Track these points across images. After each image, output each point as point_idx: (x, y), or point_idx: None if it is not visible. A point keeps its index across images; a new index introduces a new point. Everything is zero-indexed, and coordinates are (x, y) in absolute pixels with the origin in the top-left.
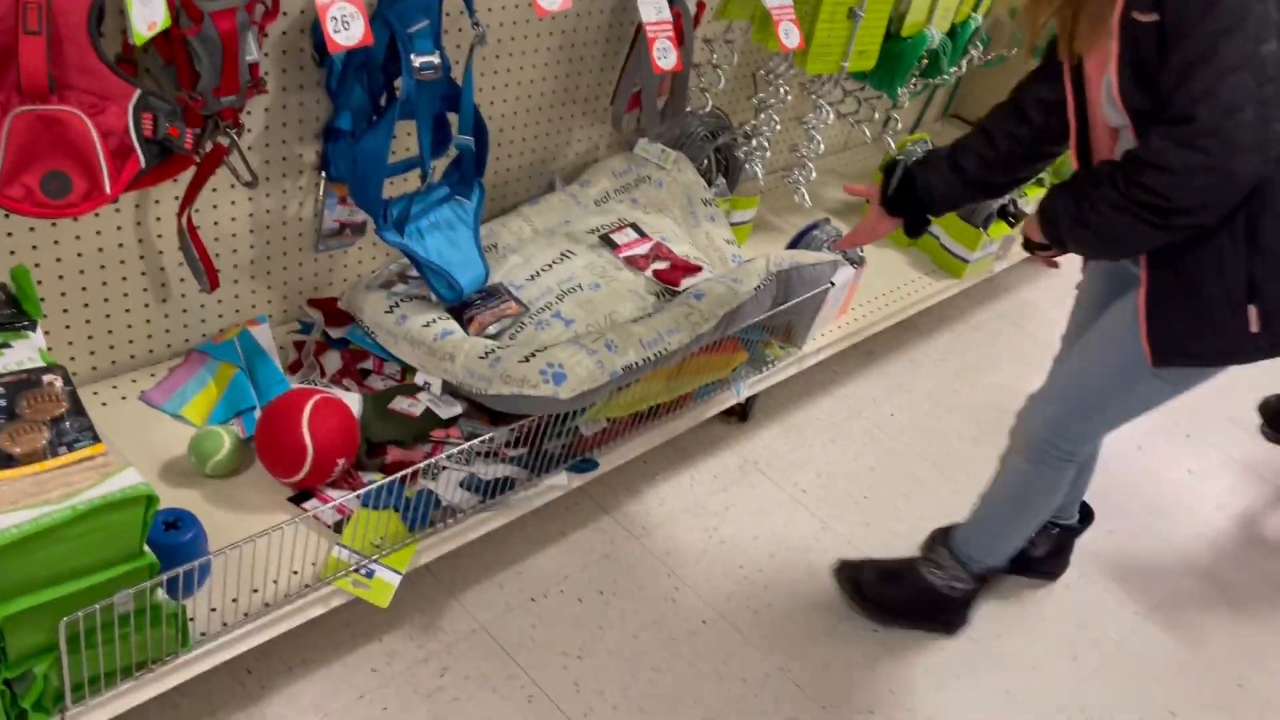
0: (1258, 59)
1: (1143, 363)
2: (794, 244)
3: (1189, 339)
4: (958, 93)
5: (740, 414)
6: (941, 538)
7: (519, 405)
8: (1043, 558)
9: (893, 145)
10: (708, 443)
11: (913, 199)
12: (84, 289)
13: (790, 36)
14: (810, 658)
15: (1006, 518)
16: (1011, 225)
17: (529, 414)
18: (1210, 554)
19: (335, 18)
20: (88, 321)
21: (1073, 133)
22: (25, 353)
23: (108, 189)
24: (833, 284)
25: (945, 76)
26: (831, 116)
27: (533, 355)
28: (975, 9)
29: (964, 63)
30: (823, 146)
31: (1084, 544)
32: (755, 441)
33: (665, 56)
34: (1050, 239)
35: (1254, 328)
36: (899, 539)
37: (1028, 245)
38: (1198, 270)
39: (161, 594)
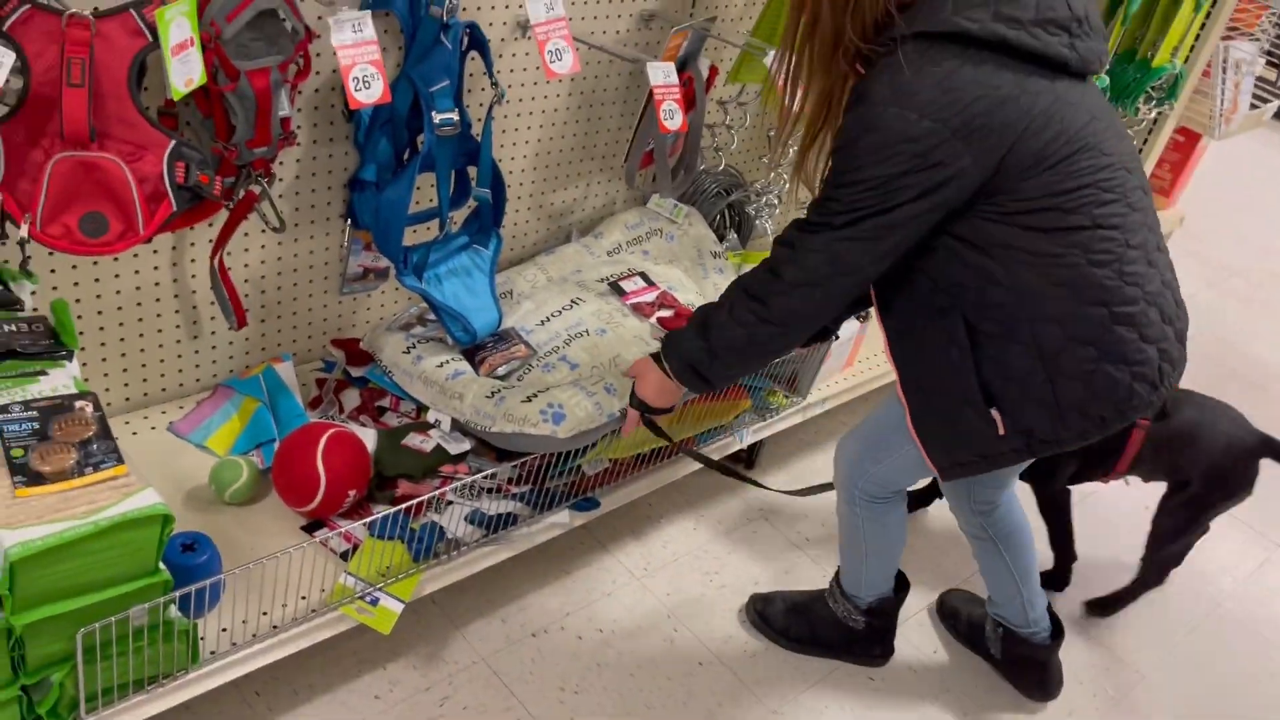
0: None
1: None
2: None
3: (957, 450)
4: None
5: (746, 461)
6: (836, 572)
7: (520, 443)
8: (1000, 660)
9: None
10: (712, 488)
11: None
12: (120, 324)
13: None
14: (804, 704)
15: (855, 557)
16: None
17: (530, 451)
18: (1214, 616)
19: (357, 77)
20: (123, 355)
21: None
22: (60, 380)
23: (141, 230)
24: (837, 337)
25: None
26: None
27: (535, 395)
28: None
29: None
30: None
31: (1083, 599)
32: (760, 489)
33: (672, 118)
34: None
35: (1001, 430)
36: None
37: (649, 422)
38: (939, 385)
39: (174, 611)
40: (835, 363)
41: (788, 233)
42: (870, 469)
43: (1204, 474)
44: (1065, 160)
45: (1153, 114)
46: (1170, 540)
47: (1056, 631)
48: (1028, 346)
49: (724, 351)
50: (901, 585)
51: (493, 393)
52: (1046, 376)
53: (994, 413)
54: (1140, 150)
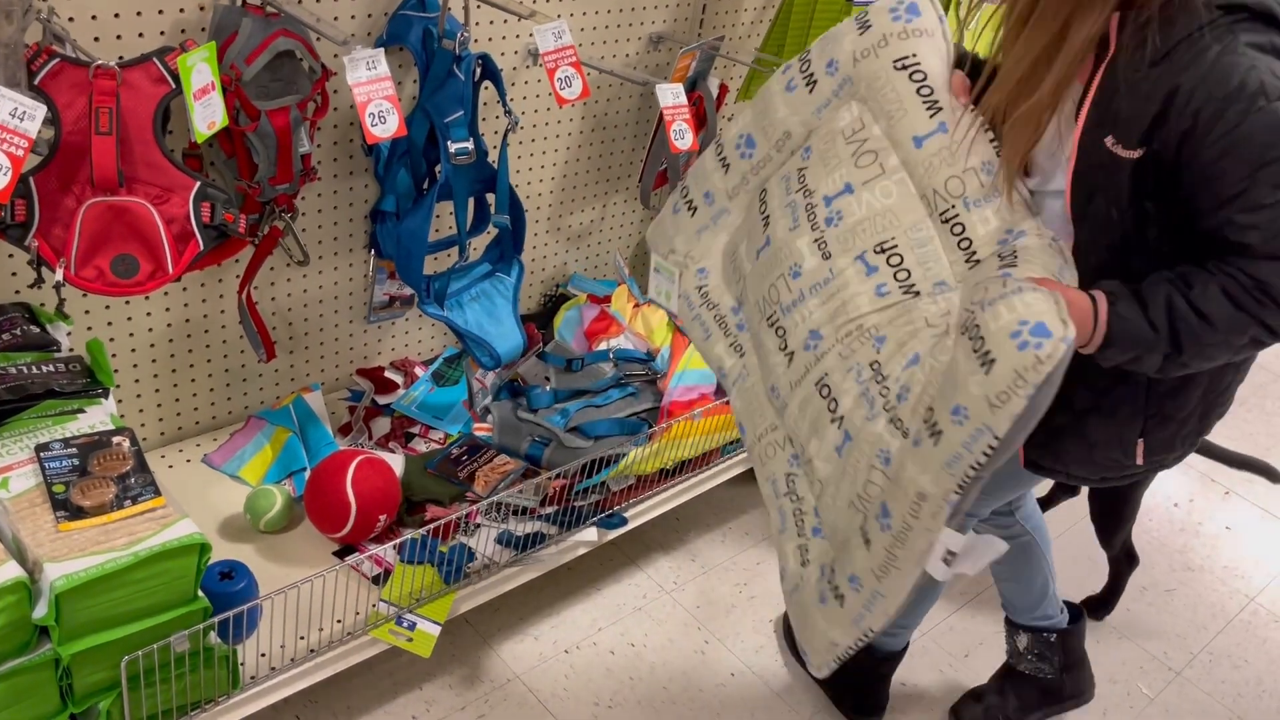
0: None
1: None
2: None
3: (1074, 463)
4: None
5: None
6: (1013, 629)
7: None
8: (1064, 666)
9: None
10: (738, 501)
11: None
12: (153, 360)
13: None
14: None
15: (1029, 577)
16: None
17: None
18: (1248, 612)
19: (373, 113)
20: (156, 390)
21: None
22: (98, 417)
23: (170, 269)
24: None
25: None
26: None
27: None
28: None
29: None
30: None
31: (1162, 651)
32: None
33: (682, 138)
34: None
35: (1139, 460)
36: None
37: None
38: (1092, 402)
39: (214, 637)
40: None
41: None
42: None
43: None
44: None
45: None
46: (1115, 522)
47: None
48: (1205, 390)
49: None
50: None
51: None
52: (1203, 412)
53: (1140, 444)
54: None
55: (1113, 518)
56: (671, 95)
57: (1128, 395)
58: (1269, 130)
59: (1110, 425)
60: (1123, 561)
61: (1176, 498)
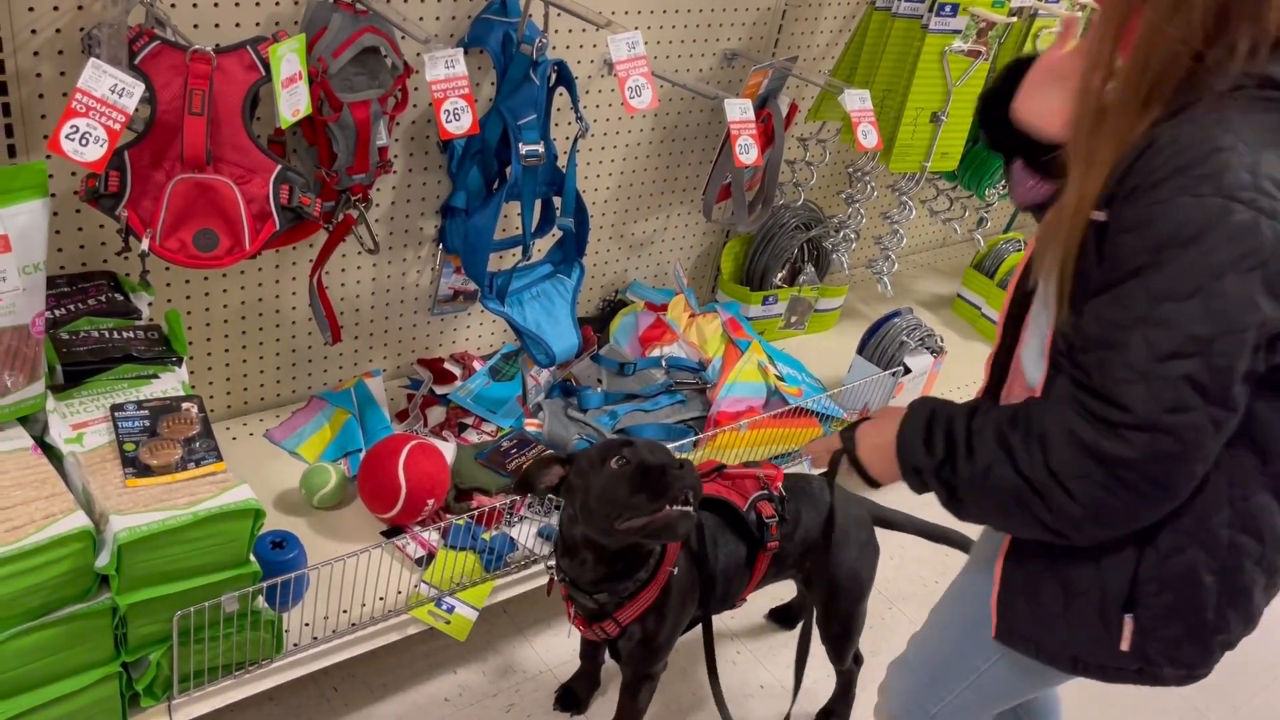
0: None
1: (986, 631)
2: (872, 331)
3: (1043, 630)
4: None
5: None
6: None
7: None
8: None
9: (982, 244)
10: None
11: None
12: (225, 335)
13: (868, 138)
14: None
15: None
16: None
17: None
18: None
19: (449, 110)
20: (226, 364)
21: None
22: (170, 383)
23: (248, 246)
24: (908, 370)
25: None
26: (914, 213)
27: None
28: None
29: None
30: (905, 240)
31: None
32: None
33: (747, 152)
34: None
35: (1124, 645)
36: None
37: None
38: (1076, 553)
39: (262, 601)
40: (910, 396)
41: None
42: (931, 709)
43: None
44: None
45: None
46: (847, 642)
47: None
48: (1213, 554)
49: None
50: None
51: None
52: (1215, 598)
53: (1126, 619)
54: None
55: (844, 639)
56: (739, 110)
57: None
58: (1176, 223)
59: (1077, 578)
60: (854, 670)
61: None
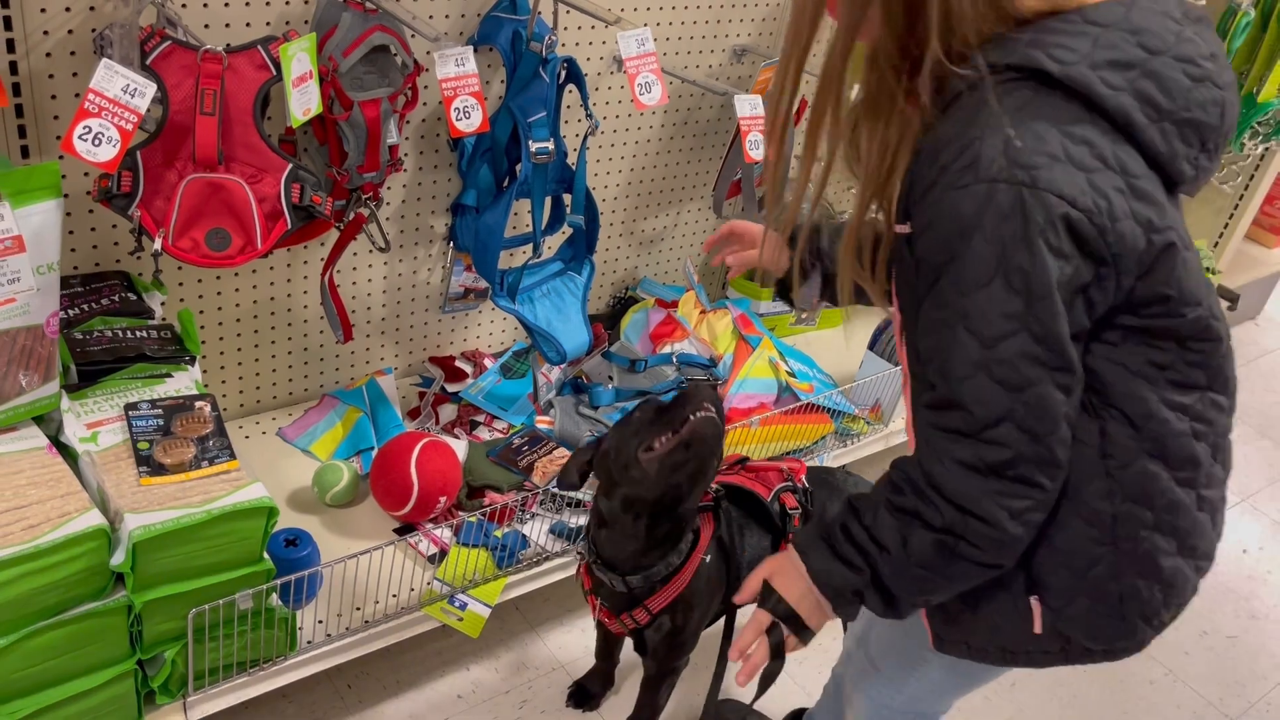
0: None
1: (925, 640)
2: (883, 328)
3: (971, 631)
4: None
5: None
6: None
7: None
8: None
9: None
10: None
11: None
12: (238, 334)
13: None
14: None
15: None
16: None
17: None
18: None
19: (458, 108)
20: (239, 363)
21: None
22: (183, 382)
23: (259, 245)
24: None
25: None
26: None
27: None
28: None
29: None
30: None
31: (1176, 642)
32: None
33: (757, 148)
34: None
35: (1036, 628)
36: None
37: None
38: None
39: (276, 599)
40: None
41: None
42: (891, 699)
43: None
44: (1189, 296)
45: (1259, 150)
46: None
47: None
48: (1099, 526)
49: None
50: None
51: None
52: (1114, 569)
53: (1033, 601)
54: (1245, 187)
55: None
56: (749, 106)
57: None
58: (953, 218)
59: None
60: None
61: (1246, 543)
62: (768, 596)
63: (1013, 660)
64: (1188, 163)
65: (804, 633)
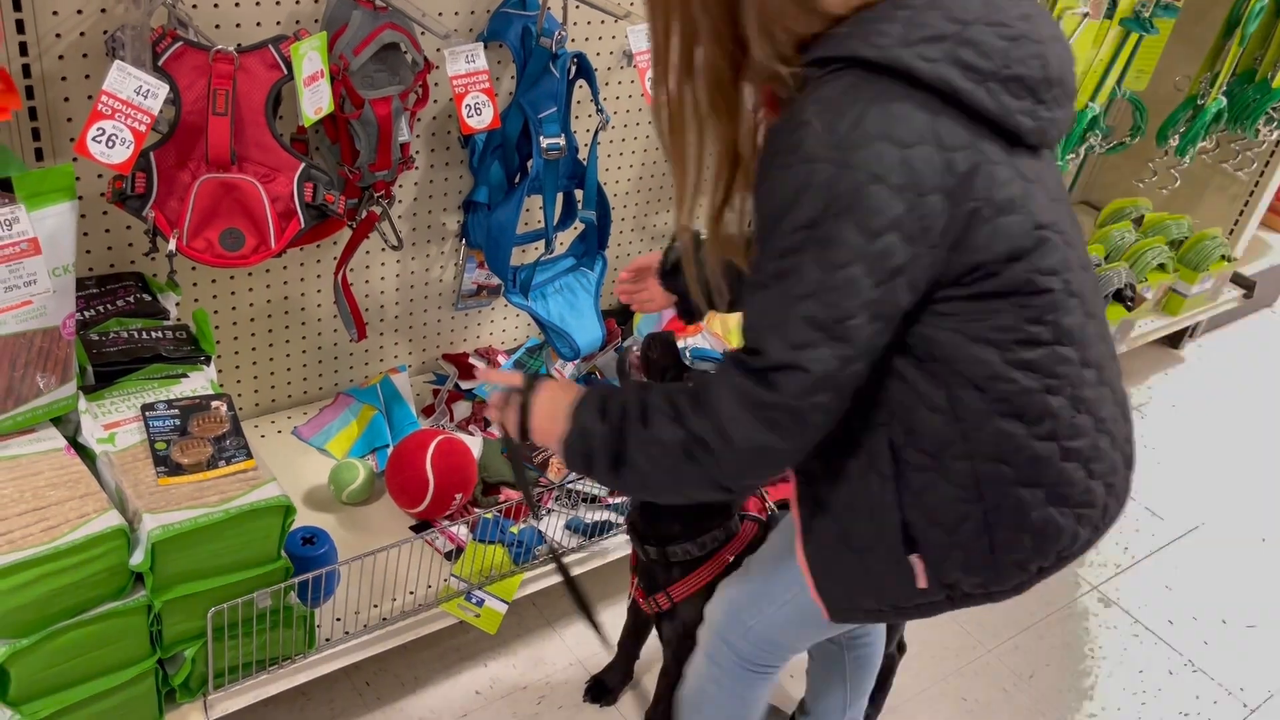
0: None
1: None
2: None
3: (861, 595)
4: (1085, 180)
5: None
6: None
7: None
8: None
9: None
10: None
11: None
12: (252, 334)
13: None
14: None
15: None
16: (1129, 309)
17: None
18: None
19: (469, 105)
20: (254, 363)
21: None
22: (199, 382)
23: (273, 244)
24: None
25: (1060, 163)
26: None
27: None
28: (1093, 98)
29: (1081, 150)
30: None
31: (1195, 632)
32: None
33: None
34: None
35: (921, 583)
36: (991, 621)
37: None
38: (849, 514)
39: (294, 597)
40: None
41: None
42: (749, 621)
43: None
44: (1029, 256)
45: (1274, 136)
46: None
47: None
48: (963, 486)
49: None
50: None
51: None
52: (983, 523)
53: (914, 559)
54: (1260, 174)
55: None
56: None
57: (864, 490)
58: (777, 195)
59: (861, 530)
60: (895, 657)
61: (1266, 533)
62: (534, 380)
63: (906, 614)
64: (1024, 115)
65: (525, 429)
